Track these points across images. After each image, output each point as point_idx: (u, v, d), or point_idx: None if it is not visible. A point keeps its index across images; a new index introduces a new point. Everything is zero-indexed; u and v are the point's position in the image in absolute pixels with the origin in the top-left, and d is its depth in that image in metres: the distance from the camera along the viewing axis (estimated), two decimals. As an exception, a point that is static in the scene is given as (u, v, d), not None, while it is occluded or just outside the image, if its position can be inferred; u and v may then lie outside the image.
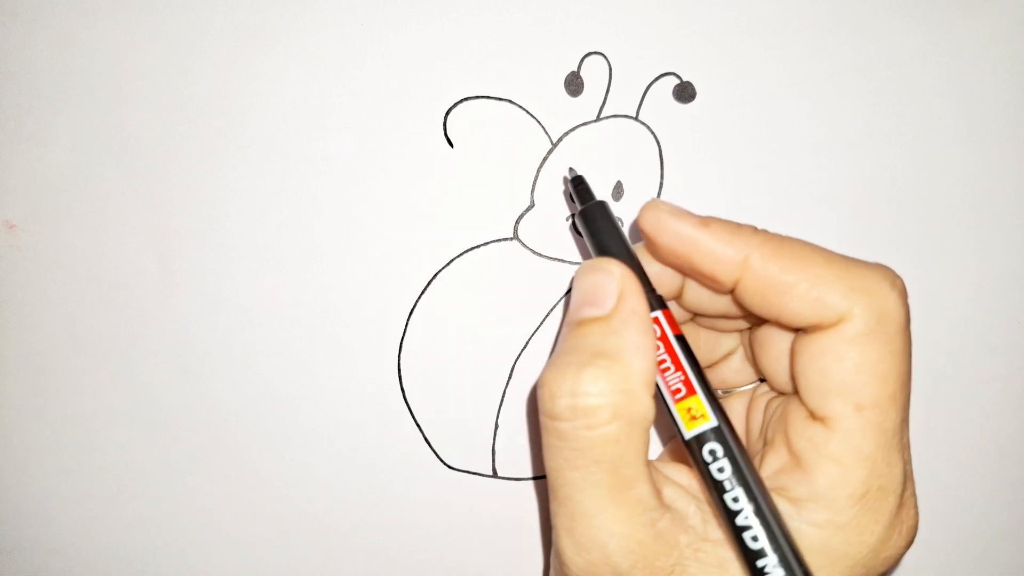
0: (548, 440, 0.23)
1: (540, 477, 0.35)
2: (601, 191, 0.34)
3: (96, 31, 0.32)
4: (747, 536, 0.21)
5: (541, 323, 0.34)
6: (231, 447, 0.34)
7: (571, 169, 0.29)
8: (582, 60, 0.34)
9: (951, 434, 0.36)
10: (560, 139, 0.34)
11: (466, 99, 0.34)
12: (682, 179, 0.34)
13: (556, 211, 0.34)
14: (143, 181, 0.33)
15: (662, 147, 0.34)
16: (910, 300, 0.32)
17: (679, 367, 0.23)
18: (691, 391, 0.22)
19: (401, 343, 0.34)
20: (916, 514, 0.23)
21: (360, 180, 0.33)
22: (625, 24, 0.34)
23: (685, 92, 0.34)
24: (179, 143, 0.33)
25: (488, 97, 0.34)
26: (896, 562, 0.23)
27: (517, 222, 0.34)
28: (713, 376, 0.30)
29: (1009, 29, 0.35)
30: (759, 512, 0.21)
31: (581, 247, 0.34)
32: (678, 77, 0.34)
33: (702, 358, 0.29)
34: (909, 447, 0.23)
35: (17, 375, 0.33)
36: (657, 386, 0.23)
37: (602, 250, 0.27)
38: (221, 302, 0.33)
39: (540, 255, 0.34)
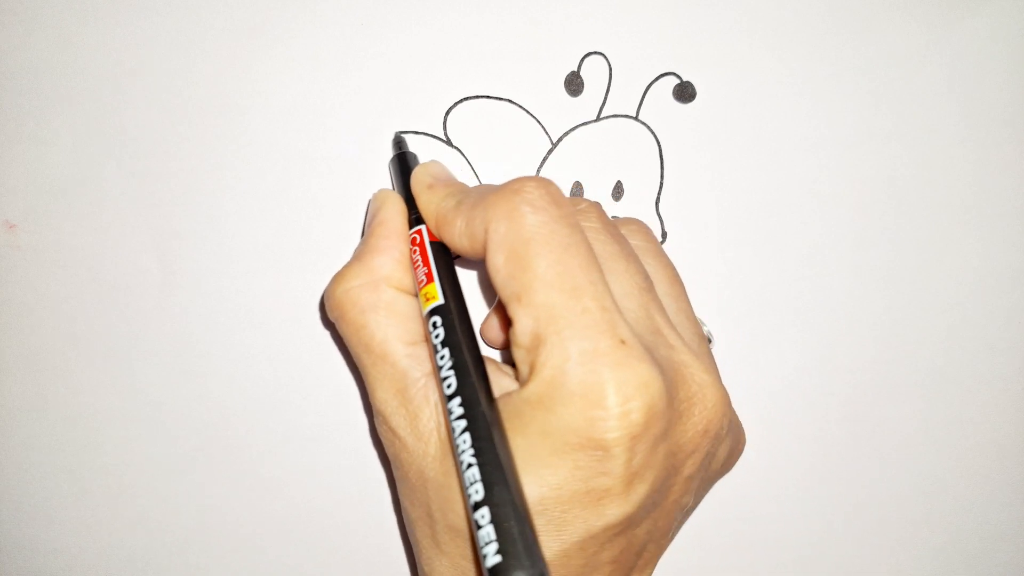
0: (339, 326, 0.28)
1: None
2: (601, 191, 0.34)
3: (96, 31, 0.32)
4: (445, 385, 0.24)
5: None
6: (231, 447, 0.34)
7: (395, 138, 0.33)
8: (582, 60, 0.34)
9: (951, 434, 0.36)
10: (560, 139, 0.34)
11: (466, 99, 0.34)
12: (682, 179, 0.34)
13: (556, 211, 0.34)
14: (143, 181, 0.33)
15: (662, 147, 0.34)
16: (910, 299, 0.33)
17: (426, 263, 0.27)
18: (430, 279, 0.26)
19: (401, 343, 0.34)
20: (622, 376, 0.22)
21: (360, 180, 0.33)
22: (625, 24, 0.34)
23: (685, 92, 0.34)
24: (179, 143, 0.33)
25: (488, 97, 0.34)
26: (625, 427, 0.22)
27: (517, 222, 0.34)
28: None
29: (1009, 29, 0.35)
30: (457, 366, 0.24)
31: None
32: (678, 77, 0.34)
33: None
34: (620, 322, 0.23)
35: (17, 375, 0.33)
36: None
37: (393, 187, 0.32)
38: (221, 302, 0.33)
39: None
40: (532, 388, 0.23)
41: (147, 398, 0.33)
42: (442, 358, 0.25)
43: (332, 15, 0.33)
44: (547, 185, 0.25)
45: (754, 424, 0.33)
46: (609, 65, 0.34)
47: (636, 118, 0.34)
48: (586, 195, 0.34)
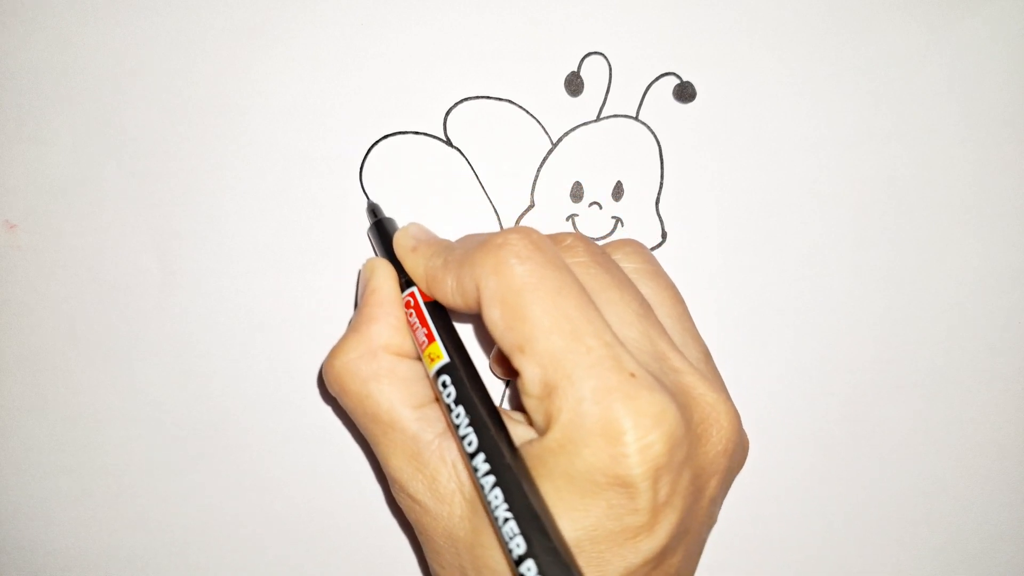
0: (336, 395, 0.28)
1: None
2: (601, 191, 0.34)
3: (96, 31, 0.32)
4: (466, 443, 0.24)
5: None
6: (231, 447, 0.34)
7: (369, 207, 0.33)
8: (582, 60, 0.34)
9: (951, 434, 0.36)
10: (560, 139, 0.34)
11: (466, 99, 0.34)
12: (682, 179, 0.34)
13: (556, 211, 0.34)
14: (143, 181, 0.33)
15: (662, 147, 0.34)
16: (910, 300, 0.33)
17: (424, 324, 0.27)
18: (431, 340, 0.26)
19: (401, 343, 0.34)
20: (639, 410, 0.22)
21: (360, 180, 0.33)
22: (625, 24, 0.34)
23: (685, 92, 0.34)
24: (179, 143, 0.33)
25: (488, 97, 0.34)
26: (647, 460, 0.22)
27: (517, 222, 0.34)
28: None
29: (1009, 29, 0.35)
30: (475, 422, 0.24)
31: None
32: (678, 77, 0.34)
33: None
34: (624, 354, 0.24)
35: (17, 375, 0.33)
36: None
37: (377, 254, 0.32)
38: (221, 302, 0.33)
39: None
40: (552, 435, 0.23)
41: (147, 398, 0.33)
42: (458, 416, 0.25)
43: (332, 15, 0.33)
44: (529, 233, 0.25)
45: (754, 424, 0.33)
46: (609, 65, 0.34)
47: (636, 118, 0.34)
48: (586, 195, 0.34)
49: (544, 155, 0.34)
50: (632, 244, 0.30)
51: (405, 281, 0.28)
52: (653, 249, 0.35)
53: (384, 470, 0.27)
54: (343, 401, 0.27)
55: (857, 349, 0.36)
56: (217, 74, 0.33)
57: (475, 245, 0.25)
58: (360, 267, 0.31)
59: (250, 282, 0.33)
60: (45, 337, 0.33)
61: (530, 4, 0.34)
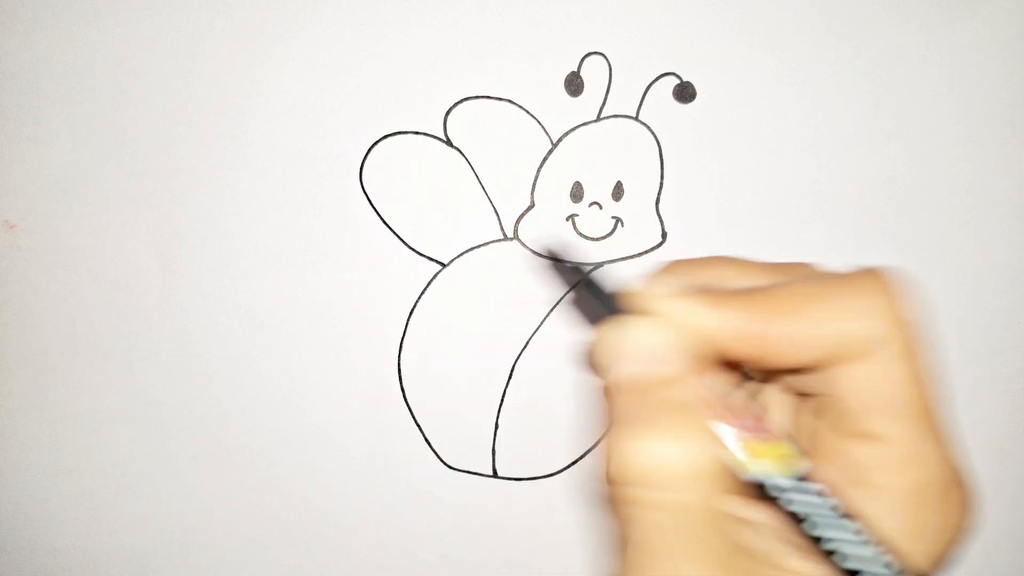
0: (631, 509, 0.21)
1: (540, 477, 0.35)
2: (601, 191, 0.34)
3: (96, 31, 0.32)
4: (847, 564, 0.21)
5: (541, 323, 0.34)
6: (231, 447, 0.34)
7: (547, 252, 0.27)
8: (582, 60, 0.34)
9: (951, 434, 0.36)
10: (560, 139, 0.34)
11: (466, 99, 0.34)
12: (682, 179, 0.34)
13: (556, 211, 0.34)
14: (143, 181, 0.33)
15: (662, 147, 0.34)
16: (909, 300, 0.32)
17: (759, 419, 0.22)
18: (769, 436, 0.21)
19: (401, 343, 0.34)
20: (968, 498, 0.23)
21: (360, 180, 0.33)
22: (625, 24, 0.34)
23: (685, 92, 0.34)
24: (179, 143, 0.33)
25: (488, 97, 0.34)
26: (956, 533, 0.22)
27: (517, 222, 0.34)
28: None
29: (1009, 29, 0.35)
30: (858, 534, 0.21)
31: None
32: (678, 77, 0.34)
33: None
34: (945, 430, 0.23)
35: (17, 375, 0.33)
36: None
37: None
38: (221, 302, 0.33)
39: (540, 255, 0.34)
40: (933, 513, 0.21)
41: (147, 398, 0.33)
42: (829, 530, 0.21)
43: (332, 15, 0.33)
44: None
45: (754, 424, 0.33)
46: (609, 65, 0.34)
47: (636, 118, 0.34)
48: (586, 195, 0.34)
49: (544, 155, 0.34)
50: None
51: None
52: (653, 249, 0.35)
53: None
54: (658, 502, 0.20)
55: (857, 349, 0.36)
56: (217, 74, 0.33)
57: (829, 279, 0.22)
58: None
59: (250, 282, 0.33)
60: (45, 337, 0.33)
61: (530, 4, 0.34)
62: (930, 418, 0.22)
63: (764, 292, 0.22)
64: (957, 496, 0.23)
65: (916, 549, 0.22)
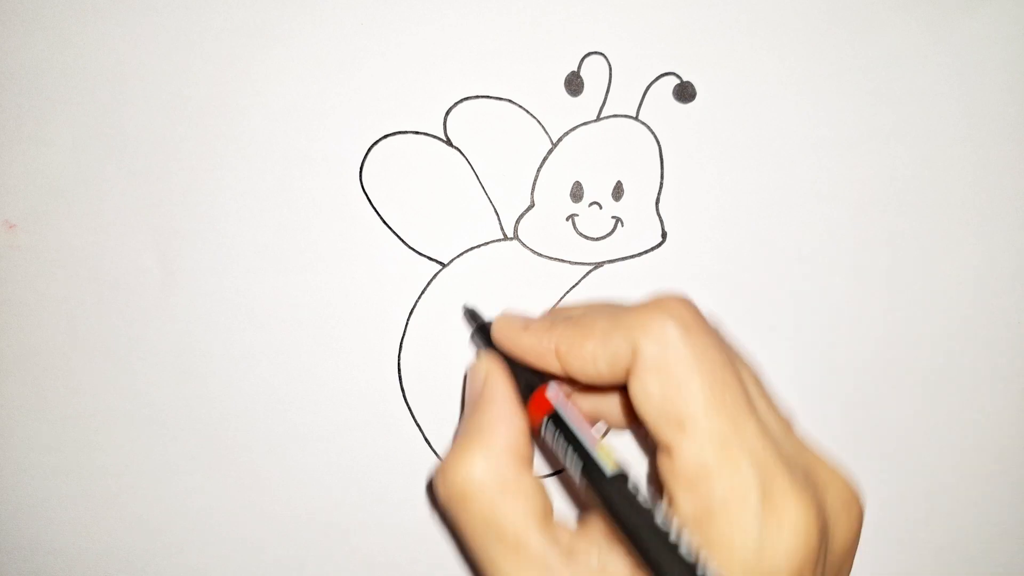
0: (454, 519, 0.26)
1: (539, 477, 0.35)
2: (601, 191, 0.34)
3: (96, 31, 0.32)
4: (682, 551, 0.22)
5: (541, 323, 0.34)
6: (231, 447, 0.34)
7: (465, 307, 0.33)
8: (582, 60, 0.34)
9: (951, 434, 0.36)
10: (560, 139, 0.34)
11: (466, 99, 0.34)
12: (682, 179, 0.34)
13: (556, 211, 0.34)
14: (143, 181, 0.33)
15: (662, 147, 0.34)
16: (910, 300, 0.33)
17: (585, 423, 0.25)
18: (593, 443, 0.25)
19: (401, 343, 0.34)
20: (796, 507, 0.22)
21: (360, 180, 0.33)
22: (625, 24, 0.34)
23: (685, 92, 0.34)
24: (179, 143, 0.33)
25: (488, 97, 0.34)
26: (796, 559, 0.22)
27: (517, 222, 0.34)
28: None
29: (1009, 29, 0.35)
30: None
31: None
32: (678, 77, 0.34)
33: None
34: (773, 443, 0.23)
35: (17, 375, 0.33)
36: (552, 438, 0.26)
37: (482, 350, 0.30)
38: (221, 302, 0.33)
39: (540, 255, 0.34)
40: (699, 515, 0.22)
41: (147, 398, 0.33)
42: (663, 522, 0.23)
43: (332, 15, 0.33)
44: (690, 303, 0.24)
45: (754, 424, 0.33)
46: (609, 65, 0.34)
47: (636, 118, 0.34)
48: (586, 195, 0.34)
49: (544, 155, 0.34)
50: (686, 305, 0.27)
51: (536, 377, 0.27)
52: (653, 249, 0.35)
53: None
54: (460, 519, 0.25)
55: (857, 349, 0.36)
56: (217, 74, 0.33)
57: (626, 310, 0.24)
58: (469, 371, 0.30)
59: (250, 282, 0.33)
60: (45, 337, 0.33)
61: (530, 4, 0.34)
62: (723, 433, 0.23)
63: (564, 319, 0.26)
64: (785, 507, 0.22)
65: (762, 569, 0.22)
